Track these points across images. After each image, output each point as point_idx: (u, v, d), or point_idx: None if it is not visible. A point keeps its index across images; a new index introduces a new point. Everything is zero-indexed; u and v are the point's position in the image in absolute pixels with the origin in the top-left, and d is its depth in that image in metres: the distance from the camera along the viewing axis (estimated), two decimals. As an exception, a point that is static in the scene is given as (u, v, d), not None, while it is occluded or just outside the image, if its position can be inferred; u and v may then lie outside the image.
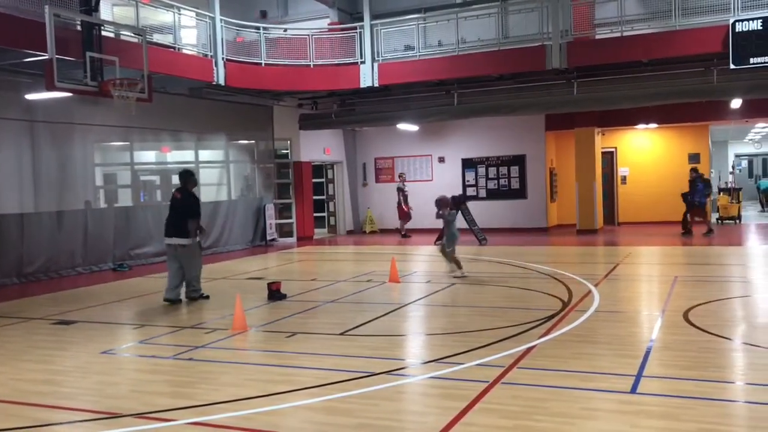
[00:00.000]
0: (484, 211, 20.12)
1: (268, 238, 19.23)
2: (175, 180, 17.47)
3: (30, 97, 12.72)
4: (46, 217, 13.37)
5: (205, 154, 18.04)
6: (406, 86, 18.02)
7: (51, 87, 10.74)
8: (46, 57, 10.59)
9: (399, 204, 20.69)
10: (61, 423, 5.06)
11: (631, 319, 8.17)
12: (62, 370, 6.55)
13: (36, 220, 13.16)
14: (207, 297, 10.19)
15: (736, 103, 17.43)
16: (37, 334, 8.24)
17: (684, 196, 17.76)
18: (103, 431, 4.85)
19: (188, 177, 10.35)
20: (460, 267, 11.59)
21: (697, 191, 17.48)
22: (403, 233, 20.53)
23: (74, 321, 8.89)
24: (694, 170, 18.04)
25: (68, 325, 8.66)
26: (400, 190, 20.71)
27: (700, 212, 17.81)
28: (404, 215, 20.67)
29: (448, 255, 11.71)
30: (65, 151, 13.85)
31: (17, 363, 6.82)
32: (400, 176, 21.32)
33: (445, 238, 11.85)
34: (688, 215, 17.76)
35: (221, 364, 6.57)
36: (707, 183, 17.88)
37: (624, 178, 21.85)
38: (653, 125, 20.34)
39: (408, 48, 17.56)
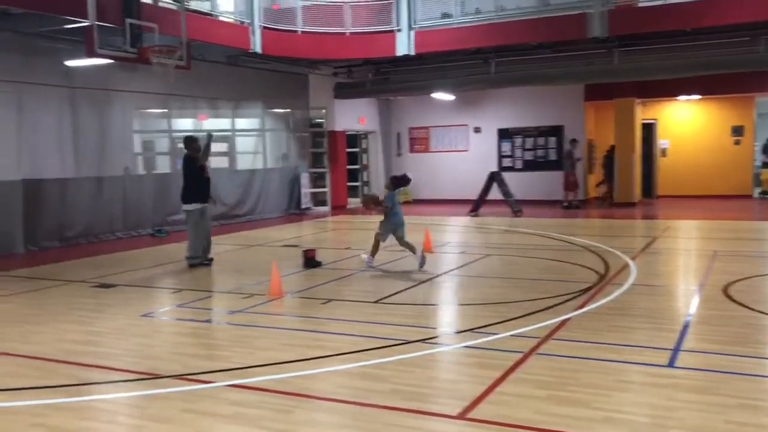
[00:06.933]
0: (519, 183, 19.89)
1: (303, 206, 19.33)
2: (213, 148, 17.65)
3: (70, 63, 12.86)
4: (85, 182, 13.60)
5: (241, 123, 18.12)
6: (442, 55, 17.79)
7: (91, 54, 10.87)
8: (87, 24, 10.69)
9: (569, 171, 18.75)
10: (103, 382, 5.18)
11: (668, 293, 8.07)
12: (102, 332, 6.69)
13: (76, 186, 13.39)
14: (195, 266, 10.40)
15: (784, 75, 16.90)
16: (77, 297, 8.42)
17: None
18: (144, 391, 4.96)
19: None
20: None
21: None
22: (565, 204, 18.72)
23: (114, 284, 9.05)
24: None
25: (108, 289, 8.83)
26: (570, 155, 18.76)
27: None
28: (571, 185, 18.81)
29: None
30: (104, 118, 14.01)
31: (58, 324, 6.98)
32: (571, 142, 19.18)
33: None
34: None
35: (257, 329, 6.67)
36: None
37: (664, 151, 21.43)
38: (695, 96, 19.84)
39: (445, 15, 17.30)
